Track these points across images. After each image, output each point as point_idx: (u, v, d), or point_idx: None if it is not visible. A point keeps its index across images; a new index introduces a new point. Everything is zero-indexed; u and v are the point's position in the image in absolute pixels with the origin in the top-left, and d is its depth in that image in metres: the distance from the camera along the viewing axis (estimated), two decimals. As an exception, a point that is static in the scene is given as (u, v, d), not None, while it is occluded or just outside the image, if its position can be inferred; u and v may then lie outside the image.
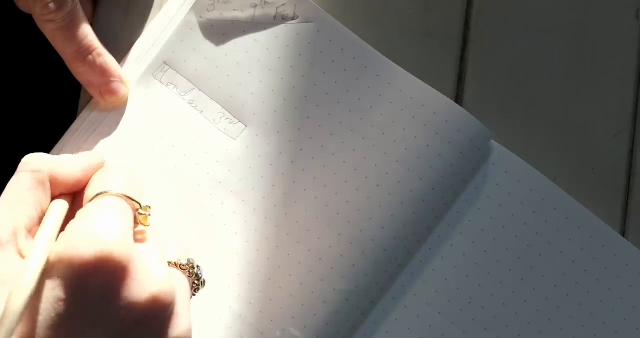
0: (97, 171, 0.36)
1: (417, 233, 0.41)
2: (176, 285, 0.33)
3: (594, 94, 0.44)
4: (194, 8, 0.43)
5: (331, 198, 0.41)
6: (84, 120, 0.43)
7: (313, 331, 0.40)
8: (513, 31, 0.44)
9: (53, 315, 0.29)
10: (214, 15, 0.43)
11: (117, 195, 0.33)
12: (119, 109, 0.43)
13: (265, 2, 0.43)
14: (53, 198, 0.34)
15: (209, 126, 0.43)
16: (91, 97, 0.43)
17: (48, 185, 0.34)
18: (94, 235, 0.30)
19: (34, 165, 0.34)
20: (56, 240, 0.31)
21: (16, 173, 0.34)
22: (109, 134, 0.42)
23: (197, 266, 0.35)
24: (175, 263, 0.34)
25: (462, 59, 0.45)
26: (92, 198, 0.33)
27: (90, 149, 0.42)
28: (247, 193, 0.42)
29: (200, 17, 0.43)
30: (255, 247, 0.41)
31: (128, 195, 0.33)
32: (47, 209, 0.33)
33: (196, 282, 0.35)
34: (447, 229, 0.42)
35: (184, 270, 0.34)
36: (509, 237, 0.42)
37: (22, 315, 0.28)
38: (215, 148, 0.42)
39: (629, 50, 0.44)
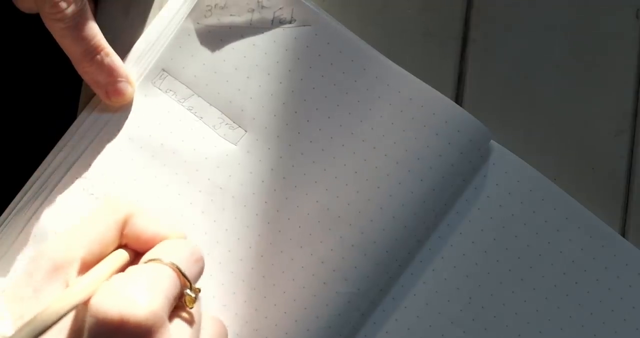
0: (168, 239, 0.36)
1: (417, 234, 0.42)
2: None
3: (594, 94, 0.44)
4: (192, 14, 0.43)
5: (332, 202, 0.41)
6: (84, 120, 0.43)
7: (315, 334, 0.40)
8: (513, 31, 0.44)
9: None
10: (212, 20, 0.43)
11: (171, 267, 0.33)
12: (118, 117, 0.43)
13: (262, 6, 0.42)
14: (124, 247, 0.35)
15: (208, 132, 0.43)
16: (91, 97, 0.43)
17: (120, 229, 0.35)
18: (127, 298, 0.30)
19: (116, 206, 0.35)
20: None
21: (99, 207, 0.35)
22: (109, 142, 0.42)
23: None
24: None
25: (462, 59, 0.44)
26: (147, 261, 0.33)
27: (89, 159, 0.42)
28: (248, 199, 0.42)
29: (198, 23, 0.43)
30: (259, 253, 0.41)
31: (182, 271, 0.33)
32: (110, 251, 0.34)
33: None
34: (447, 229, 0.42)
35: None
36: (509, 237, 0.42)
37: (45, 328, 0.29)
38: (215, 154, 0.42)
39: (629, 50, 0.44)
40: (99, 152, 0.42)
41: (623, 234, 0.43)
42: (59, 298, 0.30)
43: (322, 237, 0.41)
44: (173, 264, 0.33)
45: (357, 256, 0.41)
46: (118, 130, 0.43)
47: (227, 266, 0.41)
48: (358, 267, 0.41)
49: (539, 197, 0.42)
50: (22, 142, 0.52)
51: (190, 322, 0.33)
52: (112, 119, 0.43)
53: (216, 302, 0.41)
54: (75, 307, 0.30)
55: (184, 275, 0.33)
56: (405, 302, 0.42)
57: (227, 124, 0.43)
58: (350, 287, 0.41)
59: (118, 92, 0.42)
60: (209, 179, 0.42)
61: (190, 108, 0.43)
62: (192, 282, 0.33)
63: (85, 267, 0.33)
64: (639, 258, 0.42)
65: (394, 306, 0.42)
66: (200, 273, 0.35)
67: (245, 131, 0.43)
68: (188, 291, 0.33)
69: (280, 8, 0.42)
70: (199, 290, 0.34)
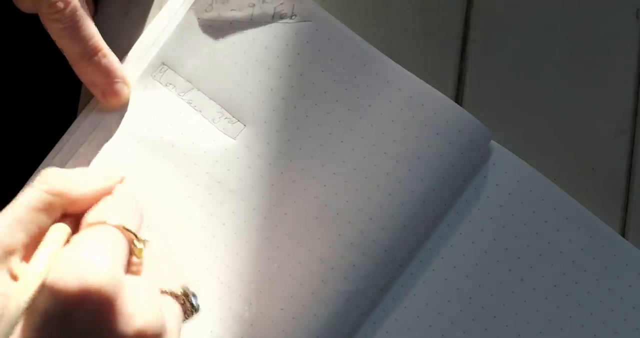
0: (107, 194, 0.35)
1: (417, 234, 0.41)
2: (167, 315, 0.32)
3: (594, 94, 0.44)
4: (193, 8, 0.43)
5: (331, 198, 0.41)
6: (83, 120, 0.43)
7: (314, 332, 0.40)
8: (513, 31, 0.44)
9: None
10: (213, 15, 0.43)
11: (114, 226, 0.32)
12: (118, 111, 0.43)
13: (264, 1, 0.43)
14: (61, 217, 0.34)
15: (208, 126, 0.43)
16: (91, 97, 0.43)
17: (55, 206, 0.33)
18: (82, 267, 0.29)
19: (49, 184, 0.33)
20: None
21: (29, 187, 0.33)
22: (109, 135, 0.42)
23: (193, 294, 0.35)
24: (169, 292, 0.33)
25: (462, 59, 0.45)
26: (91, 224, 0.32)
27: (89, 151, 0.42)
28: (246, 193, 0.42)
29: (199, 17, 0.43)
30: (256, 247, 0.41)
31: (125, 226, 0.32)
32: (46, 229, 0.33)
33: (190, 309, 0.34)
34: (447, 230, 0.42)
35: (178, 298, 0.34)
36: (509, 237, 0.42)
37: (17, 320, 0.28)
38: (214, 147, 0.42)
39: (629, 50, 0.44)
40: (98, 148, 0.42)
41: (623, 234, 0.43)
42: (15, 292, 0.29)
43: (319, 234, 0.41)
44: (115, 224, 0.32)
45: (356, 255, 0.40)
46: (117, 123, 0.43)
47: (223, 260, 0.41)
48: (357, 265, 0.40)
49: (539, 197, 0.42)
50: (22, 142, 0.51)
51: (146, 269, 0.33)
52: (112, 115, 0.43)
53: (213, 295, 0.41)
54: (35, 294, 0.29)
55: (129, 230, 0.32)
56: (405, 301, 0.41)
57: (226, 118, 0.43)
58: (349, 286, 0.40)
59: (114, 93, 0.42)
60: (207, 173, 0.42)
61: (190, 101, 0.43)
62: (137, 234, 0.33)
63: (28, 252, 0.32)
64: (639, 258, 0.41)
65: (394, 306, 0.41)
66: (141, 220, 0.34)
67: (245, 125, 0.42)
68: (136, 243, 0.32)
69: (281, 3, 0.43)
70: (146, 241, 0.33)
